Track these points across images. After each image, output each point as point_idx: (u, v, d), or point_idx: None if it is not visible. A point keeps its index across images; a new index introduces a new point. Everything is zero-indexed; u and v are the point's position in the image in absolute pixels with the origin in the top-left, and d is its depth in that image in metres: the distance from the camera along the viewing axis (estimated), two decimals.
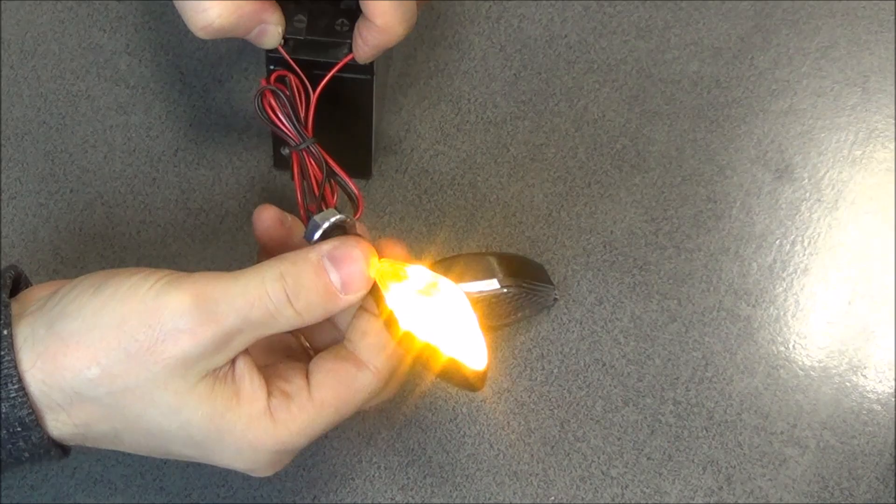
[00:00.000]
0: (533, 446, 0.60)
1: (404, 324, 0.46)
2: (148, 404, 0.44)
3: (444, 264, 0.59)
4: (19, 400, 0.43)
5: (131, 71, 0.67)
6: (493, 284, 0.58)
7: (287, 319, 0.45)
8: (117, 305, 0.44)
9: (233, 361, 0.45)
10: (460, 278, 0.56)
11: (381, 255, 0.48)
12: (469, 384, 0.47)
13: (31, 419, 0.43)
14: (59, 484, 0.58)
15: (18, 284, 0.48)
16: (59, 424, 0.44)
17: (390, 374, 0.48)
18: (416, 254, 0.57)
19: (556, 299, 0.62)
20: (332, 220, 0.48)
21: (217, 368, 0.45)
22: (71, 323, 0.44)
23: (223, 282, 0.44)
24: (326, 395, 0.47)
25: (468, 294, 0.50)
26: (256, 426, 0.45)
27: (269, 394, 0.46)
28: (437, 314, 0.46)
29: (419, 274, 0.47)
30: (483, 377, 0.46)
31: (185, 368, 0.44)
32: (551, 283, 0.61)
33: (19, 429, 0.43)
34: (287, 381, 0.47)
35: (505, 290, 0.58)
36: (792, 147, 0.67)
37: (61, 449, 0.46)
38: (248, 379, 0.46)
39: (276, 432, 0.45)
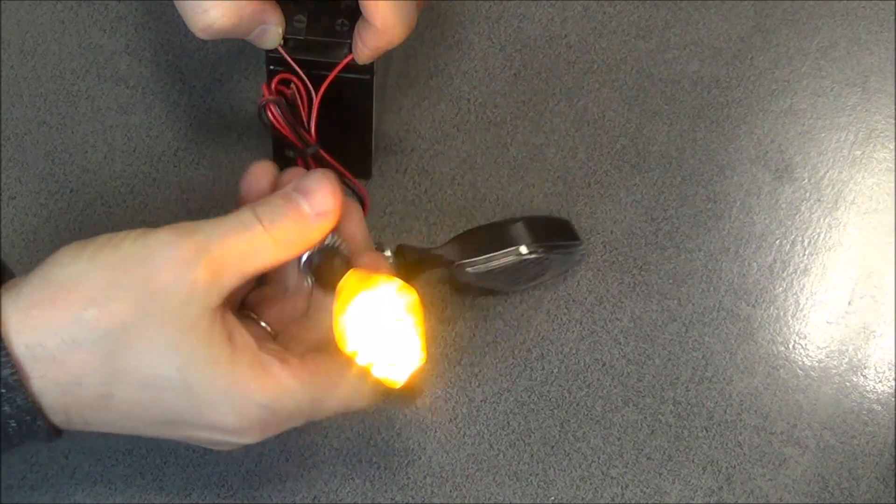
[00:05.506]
0: (533, 446, 0.60)
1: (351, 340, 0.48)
2: (146, 343, 0.44)
3: (474, 234, 0.59)
4: (2, 359, 0.43)
5: (131, 71, 0.67)
6: (519, 251, 0.58)
7: (265, 246, 0.46)
8: (111, 251, 0.45)
9: (223, 311, 0.46)
10: (488, 247, 0.58)
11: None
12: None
13: (15, 379, 0.43)
14: (59, 484, 0.58)
15: (2, 274, 0.49)
16: (47, 383, 0.44)
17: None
18: (417, 244, 0.57)
19: (583, 255, 0.62)
20: (324, 242, 0.49)
21: (213, 309, 0.45)
22: (65, 270, 0.44)
23: (198, 222, 0.46)
24: (318, 365, 0.47)
25: (494, 263, 0.56)
26: (249, 374, 0.45)
27: (260, 349, 0.47)
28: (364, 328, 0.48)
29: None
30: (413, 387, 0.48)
31: (181, 302, 0.44)
32: (578, 239, 0.62)
33: (3, 390, 0.43)
34: (279, 350, 0.48)
35: (533, 256, 0.58)
36: (792, 147, 0.67)
37: (49, 424, 0.45)
38: (239, 329, 0.46)
39: (268, 384, 0.46)
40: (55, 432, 0.46)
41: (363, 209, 0.57)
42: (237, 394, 0.45)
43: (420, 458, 0.59)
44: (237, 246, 0.45)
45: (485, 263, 0.58)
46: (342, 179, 0.55)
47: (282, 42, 0.53)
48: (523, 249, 0.58)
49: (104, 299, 0.44)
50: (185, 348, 0.44)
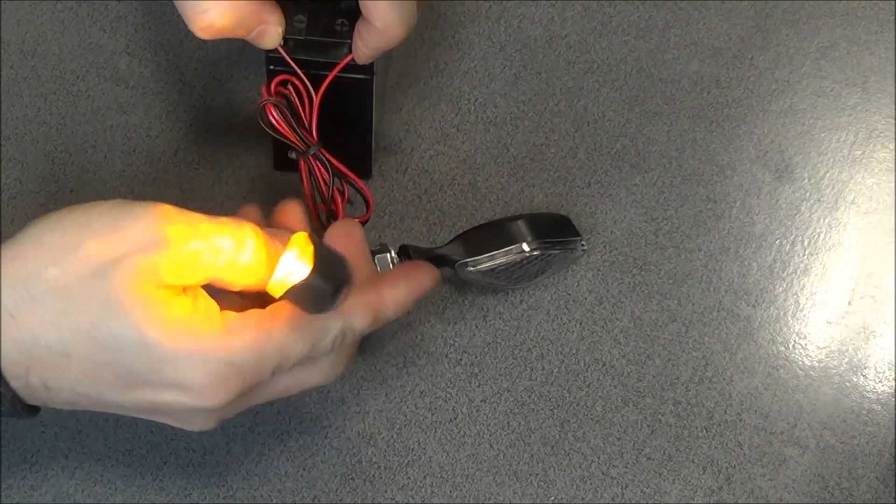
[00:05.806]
0: (533, 446, 0.60)
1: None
2: (103, 309, 0.44)
3: (476, 233, 0.60)
4: None
5: (131, 71, 0.67)
6: (522, 249, 0.58)
7: (239, 263, 0.46)
8: (80, 214, 0.45)
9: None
10: (490, 245, 0.58)
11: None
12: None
13: None
14: (59, 484, 0.58)
15: None
16: (6, 342, 0.43)
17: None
18: (418, 244, 0.57)
19: (584, 250, 0.62)
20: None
21: (174, 286, 0.45)
22: (30, 229, 0.44)
23: (188, 212, 0.46)
24: (281, 310, 0.47)
25: (497, 261, 0.57)
26: (211, 333, 0.45)
27: (223, 309, 0.47)
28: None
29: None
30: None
31: (147, 276, 0.44)
32: (578, 235, 0.62)
33: None
34: (242, 303, 0.48)
35: (536, 253, 0.58)
36: (792, 147, 0.67)
37: (10, 390, 0.45)
38: (203, 295, 0.46)
39: (230, 341, 0.46)
40: (20, 404, 0.46)
41: (367, 210, 0.57)
42: (198, 351, 0.45)
43: (420, 458, 0.59)
44: (212, 248, 0.45)
45: (488, 262, 0.58)
46: (347, 180, 0.55)
47: (282, 42, 0.53)
48: (526, 247, 0.58)
49: (66, 260, 0.43)
50: (143, 310, 0.44)
